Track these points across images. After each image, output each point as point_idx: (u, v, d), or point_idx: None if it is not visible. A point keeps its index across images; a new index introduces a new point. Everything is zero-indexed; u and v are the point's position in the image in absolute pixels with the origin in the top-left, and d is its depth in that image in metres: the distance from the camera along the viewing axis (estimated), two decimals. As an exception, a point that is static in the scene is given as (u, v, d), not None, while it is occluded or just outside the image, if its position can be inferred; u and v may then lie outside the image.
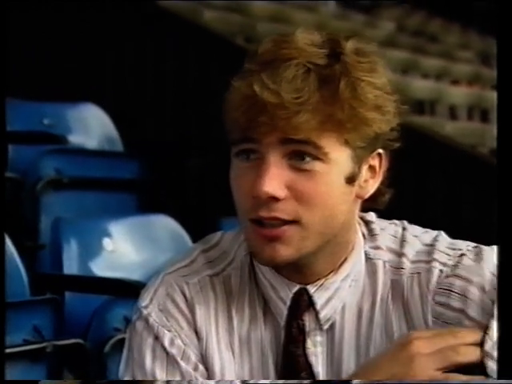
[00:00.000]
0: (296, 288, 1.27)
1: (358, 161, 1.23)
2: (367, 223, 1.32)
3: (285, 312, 1.27)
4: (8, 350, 2.12)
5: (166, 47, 4.22)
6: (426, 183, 3.69)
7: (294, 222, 1.21)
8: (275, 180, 1.19)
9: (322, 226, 1.22)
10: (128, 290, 2.32)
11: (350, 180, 1.23)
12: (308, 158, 1.20)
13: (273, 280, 1.28)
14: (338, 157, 1.21)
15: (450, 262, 1.27)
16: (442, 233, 1.32)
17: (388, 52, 6.26)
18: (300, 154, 1.20)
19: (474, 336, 1.20)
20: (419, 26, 8.36)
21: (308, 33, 1.24)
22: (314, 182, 1.20)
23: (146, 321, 1.28)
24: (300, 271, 1.26)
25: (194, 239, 2.64)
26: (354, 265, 1.29)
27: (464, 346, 1.19)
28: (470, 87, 6.85)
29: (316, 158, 1.20)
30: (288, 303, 1.27)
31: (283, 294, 1.27)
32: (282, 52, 1.21)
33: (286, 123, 1.18)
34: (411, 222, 1.35)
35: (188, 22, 4.33)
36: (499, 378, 1.19)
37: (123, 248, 2.80)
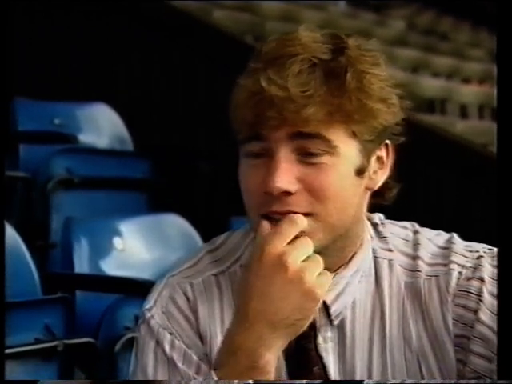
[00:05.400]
0: None
1: (367, 154, 1.25)
2: (374, 225, 1.33)
3: None
4: (19, 349, 2.13)
5: (175, 46, 4.22)
6: (436, 182, 3.68)
7: (308, 214, 1.21)
8: (286, 175, 1.20)
9: (335, 218, 1.23)
10: (138, 289, 2.32)
11: (360, 172, 1.24)
12: (317, 153, 1.21)
13: None
14: (347, 150, 1.22)
15: (469, 264, 1.28)
16: (455, 235, 1.32)
17: (398, 51, 6.25)
18: (309, 149, 1.21)
19: None
20: (430, 24, 8.35)
21: (311, 30, 1.25)
22: (324, 174, 1.21)
23: (148, 324, 1.28)
24: None
25: (204, 238, 2.65)
26: (363, 261, 1.29)
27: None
28: (480, 86, 6.83)
29: (325, 152, 1.21)
30: None
31: None
32: (287, 49, 1.22)
33: (294, 116, 1.19)
34: (421, 221, 1.35)
35: (197, 21, 4.34)
36: (499, 378, 1.19)
37: (133, 247, 2.80)
